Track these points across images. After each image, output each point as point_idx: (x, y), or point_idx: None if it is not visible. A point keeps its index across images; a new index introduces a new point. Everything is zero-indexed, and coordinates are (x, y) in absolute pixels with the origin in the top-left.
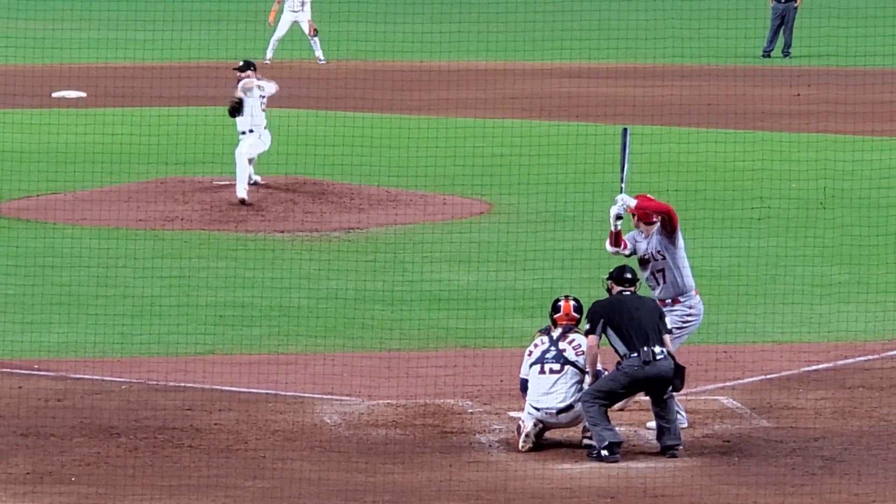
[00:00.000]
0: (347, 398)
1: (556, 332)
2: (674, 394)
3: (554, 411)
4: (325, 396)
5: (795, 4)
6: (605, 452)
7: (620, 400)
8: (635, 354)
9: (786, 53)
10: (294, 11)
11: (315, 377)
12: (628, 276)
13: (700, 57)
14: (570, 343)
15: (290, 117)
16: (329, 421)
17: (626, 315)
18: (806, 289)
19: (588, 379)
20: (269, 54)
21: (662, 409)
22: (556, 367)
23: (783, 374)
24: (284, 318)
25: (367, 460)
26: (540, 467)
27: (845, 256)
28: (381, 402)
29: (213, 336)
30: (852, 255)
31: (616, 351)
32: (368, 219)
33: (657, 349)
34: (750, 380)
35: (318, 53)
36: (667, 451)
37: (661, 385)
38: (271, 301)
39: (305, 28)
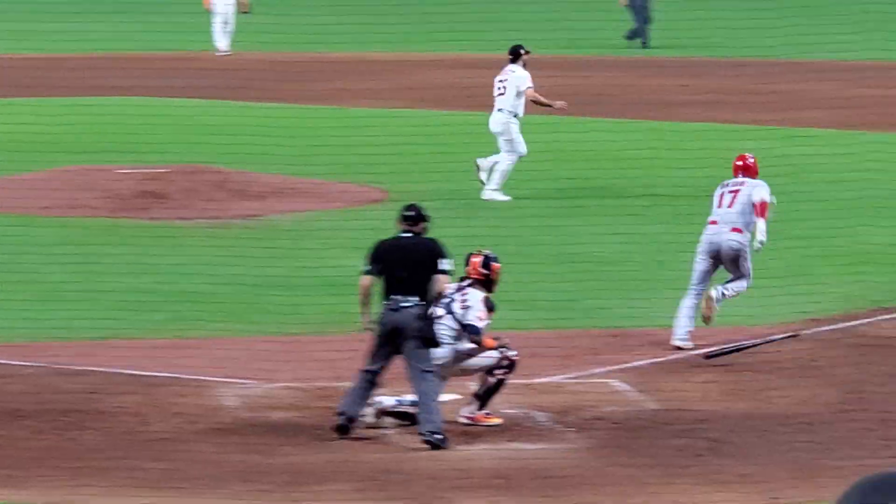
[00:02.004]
0: (247, 381)
1: (464, 283)
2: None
3: None
4: (225, 380)
5: None
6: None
7: (384, 357)
8: (385, 302)
9: (643, 43)
10: None
11: (215, 361)
12: (408, 213)
13: (588, 48)
14: (462, 294)
15: (192, 107)
16: (229, 404)
17: (392, 259)
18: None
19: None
20: (224, 46)
21: (417, 388)
22: (440, 311)
23: (671, 357)
24: (186, 304)
25: (266, 442)
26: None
27: None
28: (279, 385)
29: (117, 321)
30: None
31: None
32: (268, 206)
33: (402, 297)
34: (639, 363)
35: (224, 43)
36: (423, 435)
37: (403, 338)
38: (173, 287)
39: (231, 10)
